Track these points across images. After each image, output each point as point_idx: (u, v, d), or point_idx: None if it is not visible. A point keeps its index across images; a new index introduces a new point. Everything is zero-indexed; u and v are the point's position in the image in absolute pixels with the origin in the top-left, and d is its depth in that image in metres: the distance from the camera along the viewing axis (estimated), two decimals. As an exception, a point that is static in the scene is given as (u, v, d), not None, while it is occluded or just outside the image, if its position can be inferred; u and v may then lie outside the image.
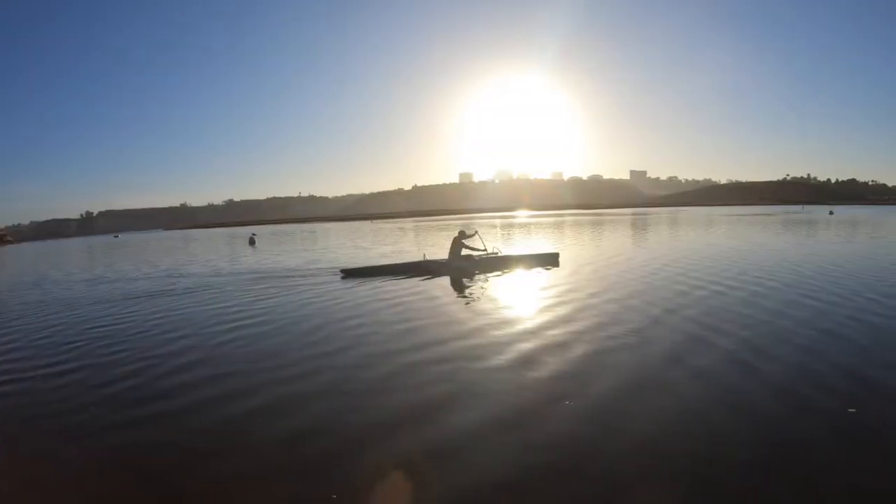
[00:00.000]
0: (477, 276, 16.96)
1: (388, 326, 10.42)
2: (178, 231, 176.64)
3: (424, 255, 20.76)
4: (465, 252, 18.58)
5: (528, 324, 9.95)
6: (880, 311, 9.86)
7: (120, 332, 11.18)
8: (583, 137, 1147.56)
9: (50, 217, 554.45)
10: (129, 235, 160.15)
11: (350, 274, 18.66)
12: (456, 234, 19.11)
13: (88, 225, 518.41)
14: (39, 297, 18.37)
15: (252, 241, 48.85)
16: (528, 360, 7.61)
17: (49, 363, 8.97)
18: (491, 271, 17.80)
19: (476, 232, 19.81)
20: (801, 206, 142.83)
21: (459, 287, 15.33)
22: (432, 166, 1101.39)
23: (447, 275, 17.46)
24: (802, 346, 7.72)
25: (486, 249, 19.00)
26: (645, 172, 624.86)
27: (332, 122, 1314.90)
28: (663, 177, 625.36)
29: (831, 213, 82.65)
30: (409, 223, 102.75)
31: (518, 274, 17.19)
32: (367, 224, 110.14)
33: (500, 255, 19.16)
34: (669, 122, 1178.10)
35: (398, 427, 5.60)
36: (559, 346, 8.28)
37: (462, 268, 18.14)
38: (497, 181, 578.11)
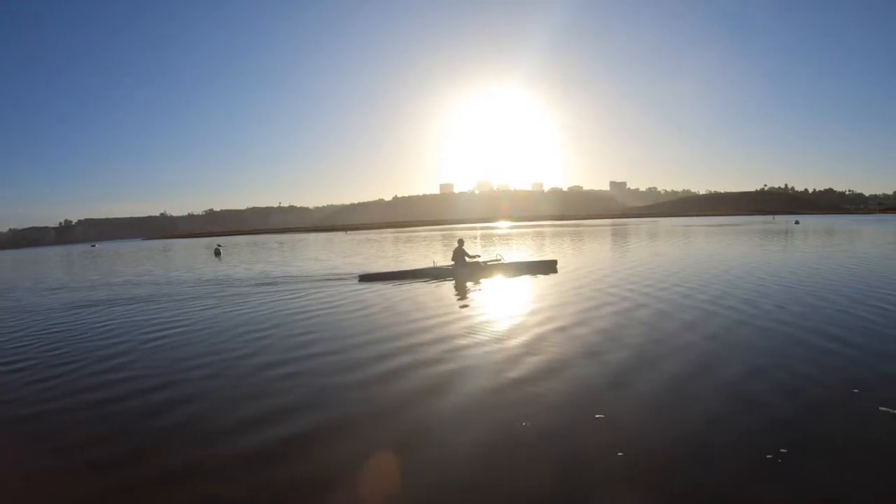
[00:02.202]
0: (481, 281, 18.11)
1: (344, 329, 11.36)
2: (156, 241, 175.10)
3: (434, 261, 22.55)
4: (468, 259, 19.91)
5: (521, 326, 10.69)
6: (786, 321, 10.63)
7: (68, 337, 11.93)
8: (563, 148, 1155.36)
9: (29, 224, 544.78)
10: (105, 245, 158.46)
11: (366, 279, 19.97)
12: (457, 243, 20.48)
13: (67, 233, 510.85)
14: (7, 304, 19.23)
15: (217, 252, 48.79)
16: (514, 358, 8.29)
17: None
18: (494, 277, 19.05)
19: (477, 256, 20.80)
20: (771, 217, 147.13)
21: (464, 291, 16.35)
22: (413, 177, 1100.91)
23: (453, 280, 18.75)
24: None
25: (485, 263, 20.11)
26: (625, 183, 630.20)
27: (314, 132, 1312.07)
28: (643, 188, 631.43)
29: (797, 222, 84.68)
30: (385, 234, 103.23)
31: (519, 279, 18.29)
32: (339, 235, 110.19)
33: (502, 261, 20.43)
34: (650, 134, 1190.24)
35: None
36: (543, 346, 8.98)
37: (467, 274, 19.45)
38: (477, 192, 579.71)
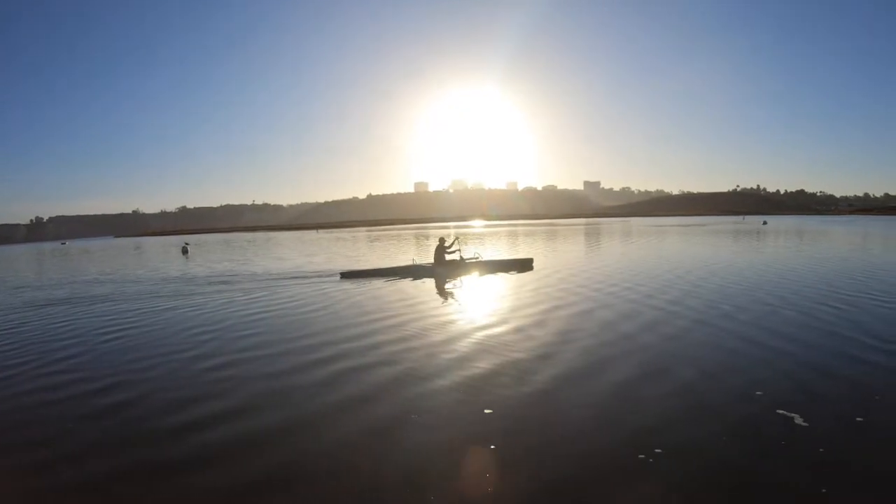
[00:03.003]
0: (460, 279, 18.53)
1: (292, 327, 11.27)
2: (128, 239, 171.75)
3: (413, 259, 22.97)
4: (449, 257, 20.32)
5: (481, 325, 10.76)
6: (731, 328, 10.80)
7: (26, 336, 11.89)
8: (538, 148, 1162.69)
9: (0, 222, 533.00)
10: (76, 242, 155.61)
11: (347, 276, 20.24)
12: (438, 241, 20.99)
13: (38, 230, 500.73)
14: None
15: (185, 251, 48.37)
16: (456, 361, 8.29)
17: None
18: (472, 274, 19.44)
19: (457, 243, 21.69)
20: (741, 217, 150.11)
21: (438, 289, 16.59)
22: (388, 175, 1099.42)
23: (433, 277, 19.04)
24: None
25: (459, 248, 20.87)
26: (599, 183, 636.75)
27: (289, 129, 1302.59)
28: (617, 187, 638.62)
29: (765, 223, 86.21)
30: (357, 232, 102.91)
31: (496, 277, 18.69)
32: (310, 234, 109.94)
33: (480, 259, 20.82)
34: (624, 134, 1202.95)
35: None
36: (494, 347, 9.02)
37: (446, 271, 19.77)
38: (452, 191, 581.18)
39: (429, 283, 17.69)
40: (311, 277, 20.68)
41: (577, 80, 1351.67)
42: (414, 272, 20.03)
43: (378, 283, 17.99)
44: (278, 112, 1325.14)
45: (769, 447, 5.03)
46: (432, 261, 20.43)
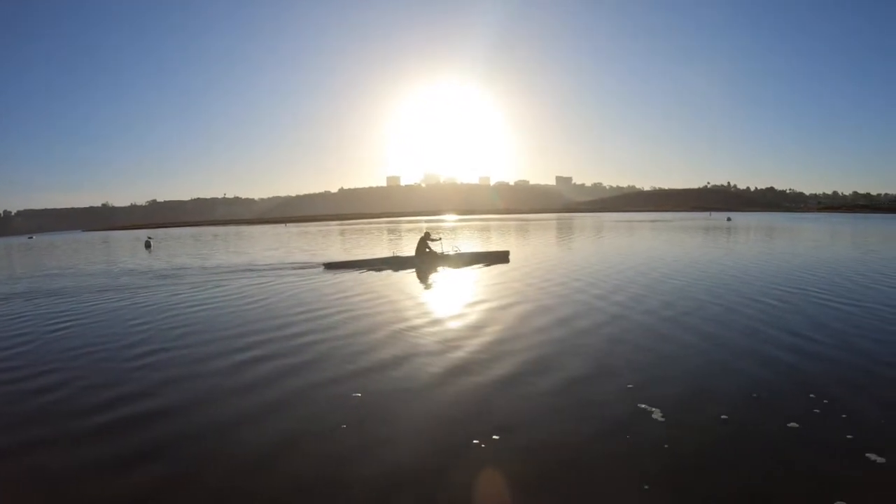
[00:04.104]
0: (439, 270, 18.97)
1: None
2: (96, 233, 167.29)
3: (394, 252, 23.60)
4: (429, 250, 20.82)
5: (432, 322, 10.75)
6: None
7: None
8: (511, 143, 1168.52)
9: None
10: (43, 237, 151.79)
11: (331, 267, 20.68)
12: (422, 234, 21.55)
13: (6, 224, 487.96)
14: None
15: (148, 245, 47.77)
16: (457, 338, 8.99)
17: None
18: (451, 266, 19.85)
19: (440, 238, 22.41)
20: (708, 213, 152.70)
21: (409, 282, 16.74)
22: (360, 169, 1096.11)
23: (413, 269, 19.47)
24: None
25: (442, 253, 21.11)
26: (570, 178, 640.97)
27: (262, 123, 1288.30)
28: (588, 183, 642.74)
29: (729, 219, 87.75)
30: (327, 226, 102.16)
31: (471, 270, 19.03)
32: (279, 228, 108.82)
33: (459, 252, 21.37)
34: (596, 130, 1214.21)
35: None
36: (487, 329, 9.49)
37: (426, 263, 20.20)
38: (424, 185, 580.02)
39: (405, 275, 18.04)
40: (272, 270, 20.71)
41: (551, 77, 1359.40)
42: (395, 263, 20.43)
43: (354, 275, 18.27)
44: (251, 106, 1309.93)
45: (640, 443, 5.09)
46: (413, 253, 20.91)
